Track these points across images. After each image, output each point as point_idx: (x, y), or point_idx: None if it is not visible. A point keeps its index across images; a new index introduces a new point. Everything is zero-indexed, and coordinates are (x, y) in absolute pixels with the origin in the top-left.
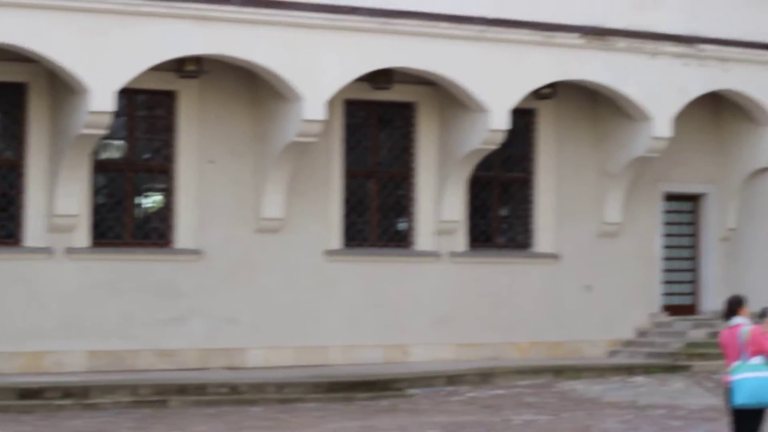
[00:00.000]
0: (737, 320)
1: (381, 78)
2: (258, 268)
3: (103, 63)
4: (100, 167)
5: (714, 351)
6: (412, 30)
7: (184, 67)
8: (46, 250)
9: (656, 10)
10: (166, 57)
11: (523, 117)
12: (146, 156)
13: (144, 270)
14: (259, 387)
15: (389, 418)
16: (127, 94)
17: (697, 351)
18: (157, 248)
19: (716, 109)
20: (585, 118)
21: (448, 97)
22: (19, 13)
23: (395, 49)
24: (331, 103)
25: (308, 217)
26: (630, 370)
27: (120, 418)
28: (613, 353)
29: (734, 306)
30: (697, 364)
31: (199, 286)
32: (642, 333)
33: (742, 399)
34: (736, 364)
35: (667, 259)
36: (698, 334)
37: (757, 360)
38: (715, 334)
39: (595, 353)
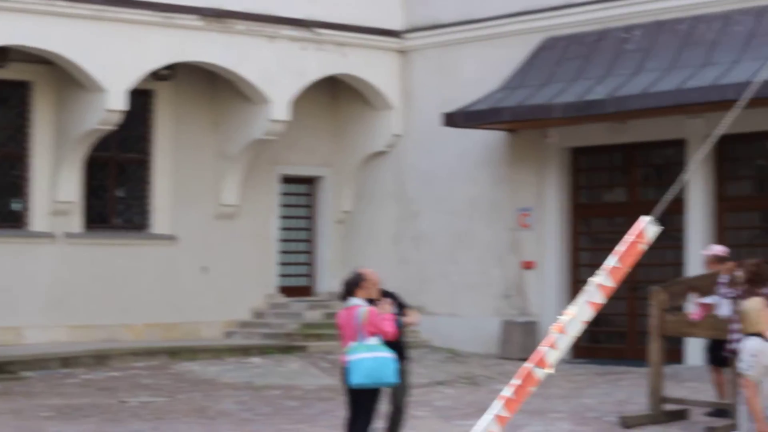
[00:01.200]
0: (354, 301)
1: None
2: None
3: None
4: None
5: (330, 332)
6: (27, 8)
7: None
8: None
9: None
10: None
11: (140, 98)
12: None
13: None
14: None
15: (2, 401)
16: None
17: (313, 332)
18: None
19: (334, 93)
20: (204, 100)
21: (64, 77)
22: None
23: (10, 27)
24: None
25: None
26: (246, 351)
27: None
28: (229, 334)
29: (351, 287)
30: (313, 345)
31: None
32: (258, 314)
33: (358, 379)
34: (352, 344)
35: (284, 240)
36: (314, 315)
37: (373, 340)
38: (330, 315)
39: (212, 334)
